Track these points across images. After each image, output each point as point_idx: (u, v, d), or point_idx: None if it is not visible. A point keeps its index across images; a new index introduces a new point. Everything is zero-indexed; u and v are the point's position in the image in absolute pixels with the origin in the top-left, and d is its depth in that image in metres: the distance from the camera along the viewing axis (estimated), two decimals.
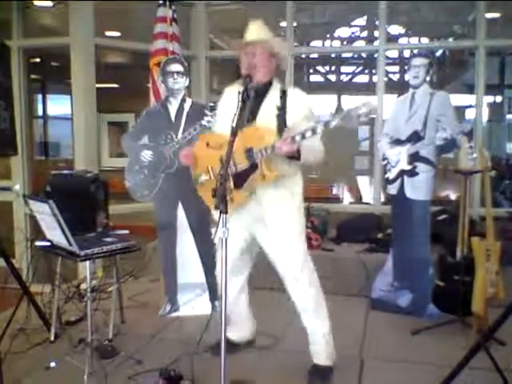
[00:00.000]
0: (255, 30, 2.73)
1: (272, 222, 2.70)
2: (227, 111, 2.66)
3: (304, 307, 2.79)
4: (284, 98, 2.69)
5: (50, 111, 10.52)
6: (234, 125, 2.31)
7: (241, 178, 2.61)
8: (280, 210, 2.70)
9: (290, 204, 2.73)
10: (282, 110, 2.67)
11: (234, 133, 2.30)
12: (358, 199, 7.69)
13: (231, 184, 2.59)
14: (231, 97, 2.74)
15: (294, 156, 2.51)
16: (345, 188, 8.23)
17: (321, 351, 2.83)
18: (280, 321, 3.38)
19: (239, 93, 2.48)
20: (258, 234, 2.80)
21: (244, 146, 2.55)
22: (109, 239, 3.13)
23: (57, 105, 10.67)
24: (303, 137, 2.40)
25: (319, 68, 12.51)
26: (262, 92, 2.70)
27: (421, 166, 3.64)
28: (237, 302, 3.04)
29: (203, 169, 2.74)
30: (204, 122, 3.46)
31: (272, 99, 2.71)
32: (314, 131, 2.40)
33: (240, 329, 3.15)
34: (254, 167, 2.57)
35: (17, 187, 4.97)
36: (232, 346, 3.00)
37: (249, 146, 2.55)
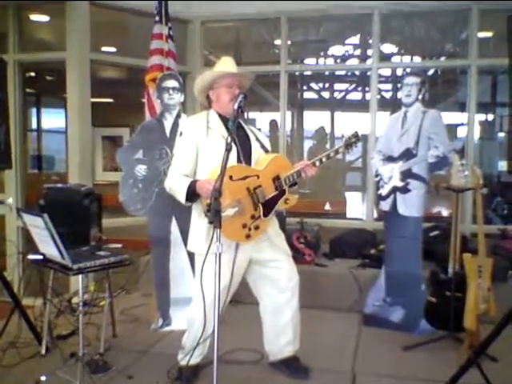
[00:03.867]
0: (234, 64, 2.83)
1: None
2: (209, 143, 2.70)
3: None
4: (252, 131, 2.90)
5: (44, 125, 10.53)
6: (227, 149, 2.29)
7: (268, 207, 2.70)
8: (279, 259, 2.88)
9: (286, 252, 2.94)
10: (259, 141, 2.85)
11: (226, 159, 2.28)
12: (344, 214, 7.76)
13: (260, 213, 2.67)
14: (201, 128, 2.74)
15: (296, 183, 2.78)
16: (334, 204, 8.24)
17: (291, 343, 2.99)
18: None
19: (233, 123, 2.45)
20: (249, 274, 2.91)
21: (272, 174, 2.69)
22: (102, 253, 3.13)
23: (51, 118, 10.68)
24: (321, 162, 2.77)
25: (313, 85, 12.59)
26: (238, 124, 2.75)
27: (413, 183, 3.67)
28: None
29: (232, 201, 2.53)
30: None
31: (249, 131, 2.88)
32: (328, 157, 2.79)
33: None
34: (281, 194, 2.73)
35: (10, 200, 4.95)
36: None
37: (276, 174, 2.70)
